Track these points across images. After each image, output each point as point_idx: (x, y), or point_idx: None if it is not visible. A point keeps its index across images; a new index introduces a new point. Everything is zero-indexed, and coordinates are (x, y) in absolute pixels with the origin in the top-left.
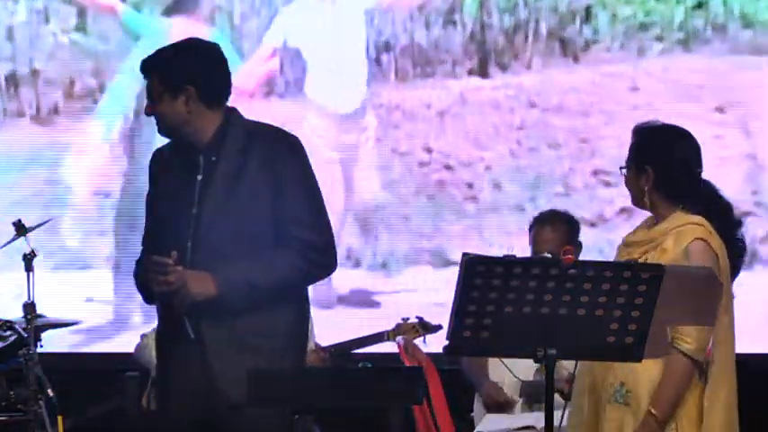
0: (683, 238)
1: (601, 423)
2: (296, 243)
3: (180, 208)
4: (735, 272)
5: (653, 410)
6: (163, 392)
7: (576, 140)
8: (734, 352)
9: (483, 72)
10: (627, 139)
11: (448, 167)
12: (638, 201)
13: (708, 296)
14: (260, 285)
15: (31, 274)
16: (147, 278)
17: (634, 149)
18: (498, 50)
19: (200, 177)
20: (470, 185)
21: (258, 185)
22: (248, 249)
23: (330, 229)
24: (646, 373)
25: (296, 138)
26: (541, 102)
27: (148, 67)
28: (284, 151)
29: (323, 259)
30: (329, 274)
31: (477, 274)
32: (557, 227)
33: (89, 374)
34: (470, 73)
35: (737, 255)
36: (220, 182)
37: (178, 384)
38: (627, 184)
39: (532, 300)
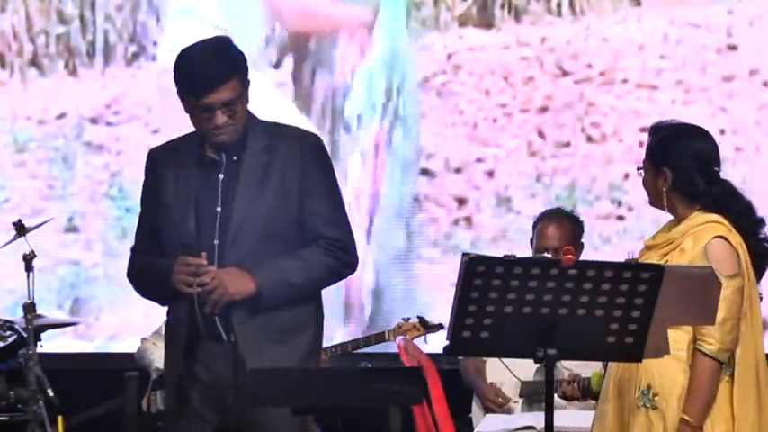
0: (702, 237)
1: (629, 428)
2: (323, 241)
3: (201, 207)
4: (759, 272)
5: (686, 417)
6: (184, 392)
7: (635, 130)
8: (762, 350)
9: (484, 21)
10: (724, 127)
11: (425, 172)
12: (656, 202)
13: (708, 296)
14: (296, 283)
15: (30, 273)
16: (176, 279)
17: (651, 150)
18: None
19: (221, 176)
20: (462, 201)
21: (285, 184)
22: (276, 247)
23: (351, 227)
24: (672, 376)
25: (318, 136)
26: (577, 67)
27: (229, 73)
28: (308, 149)
29: (348, 257)
30: (352, 273)
31: (477, 275)
32: (562, 223)
33: (89, 374)
34: (463, 23)
35: (761, 255)
36: (247, 181)
37: (203, 384)
38: (644, 185)
39: (532, 300)
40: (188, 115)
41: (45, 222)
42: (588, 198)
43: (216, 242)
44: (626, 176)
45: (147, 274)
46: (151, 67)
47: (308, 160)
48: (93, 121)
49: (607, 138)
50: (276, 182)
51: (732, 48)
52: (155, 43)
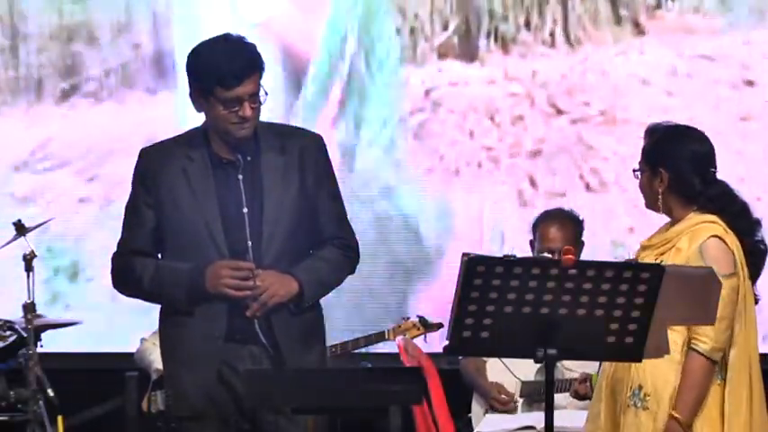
0: (698, 236)
1: (620, 428)
2: (338, 241)
3: (224, 209)
4: (755, 273)
5: (676, 414)
6: (212, 396)
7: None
8: (756, 351)
9: (467, 53)
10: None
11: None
12: (651, 204)
13: (708, 296)
14: (326, 283)
15: (31, 273)
16: (224, 284)
17: (647, 151)
18: (496, 15)
19: (241, 177)
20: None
21: (304, 184)
22: (300, 247)
23: None
24: (665, 377)
25: (321, 135)
26: (573, 105)
27: (255, 65)
28: (319, 150)
29: (357, 257)
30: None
31: (477, 274)
32: (564, 224)
33: (89, 374)
34: (444, 55)
35: (757, 256)
36: (271, 181)
37: (233, 388)
38: (641, 188)
39: (532, 300)
40: (202, 113)
41: (45, 222)
42: (586, 255)
43: (249, 243)
44: (631, 231)
45: (164, 276)
46: (84, 105)
47: (319, 160)
48: (17, 168)
49: (608, 186)
50: (297, 182)
51: (749, 83)
52: (87, 79)
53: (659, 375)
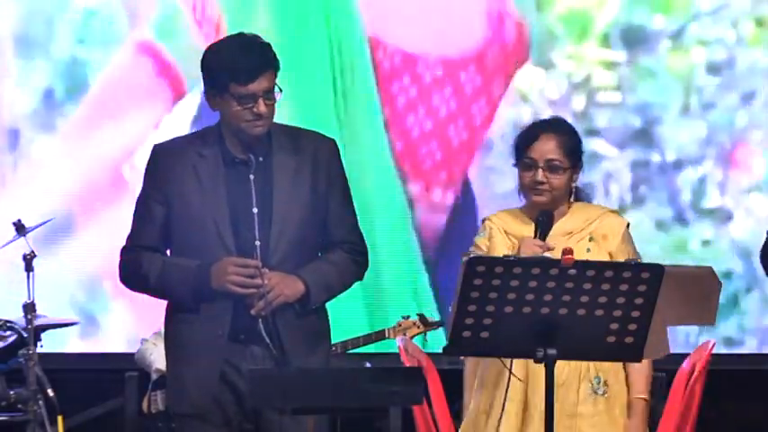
0: (619, 223)
1: (576, 419)
2: (347, 246)
3: (234, 207)
4: None
5: (644, 396)
6: (214, 395)
7: None
8: None
9: None
10: None
11: None
12: (558, 201)
13: (708, 296)
14: (333, 286)
15: (31, 273)
16: (229, 280)
17: (572, 149)
18: None
19: (252, 177)
20: None
21: (315, 187)
22: (307, 249)
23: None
24: (619, 366)
25: (334, 139)
26: None
27: (269, 62)
28: (332, 153)
29: (366, 262)
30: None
31: (478, 274)
32: None
33: (89, 374)
34: None
35: None
36: (281, 182)
37: (235, 388)
38: (558, 186)
39: (532, 300)
40: (218, 111)
41: (45, 222)
42: None
43: (258, 243)
44: None
45: (170, 273)
46: None
47: (331, 164)
48: None
49: None
50: (308, 184)
51: None
52: None
53: (617, 365)
